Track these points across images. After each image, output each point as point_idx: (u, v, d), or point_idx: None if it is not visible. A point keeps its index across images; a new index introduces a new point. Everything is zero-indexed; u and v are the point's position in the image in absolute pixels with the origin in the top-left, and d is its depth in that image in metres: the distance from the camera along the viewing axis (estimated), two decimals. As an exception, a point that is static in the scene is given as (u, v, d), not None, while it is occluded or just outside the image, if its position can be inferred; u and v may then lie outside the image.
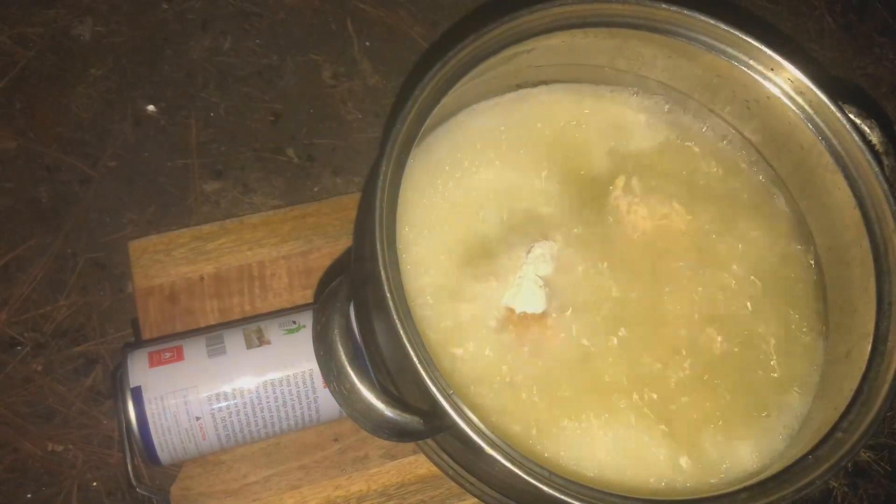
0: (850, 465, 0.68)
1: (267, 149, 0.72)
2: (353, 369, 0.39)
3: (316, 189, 0.72)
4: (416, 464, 0.59)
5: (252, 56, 0.75)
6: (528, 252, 0.50)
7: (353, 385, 0.39)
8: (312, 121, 0.74)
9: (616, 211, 0.52)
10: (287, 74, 0.75)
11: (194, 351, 0.53)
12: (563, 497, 0.38)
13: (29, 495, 0.60)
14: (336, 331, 0.40)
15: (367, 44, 0.78)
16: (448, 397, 0.38)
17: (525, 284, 0.48)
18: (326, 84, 0.76)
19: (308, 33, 0.77)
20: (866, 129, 0.48)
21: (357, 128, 0.74)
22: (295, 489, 0.58)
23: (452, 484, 0.57)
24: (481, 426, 0.38)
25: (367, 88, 0.76)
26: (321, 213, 0.66)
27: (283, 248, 0.64)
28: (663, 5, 0.48)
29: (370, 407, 0.39)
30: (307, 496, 0.58)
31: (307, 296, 0.63)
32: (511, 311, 0.48)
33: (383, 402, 0.39)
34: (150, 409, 0.51)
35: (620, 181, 0.53)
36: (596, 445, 0.46)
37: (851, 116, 0.48)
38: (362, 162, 0.73)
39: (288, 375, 0.53)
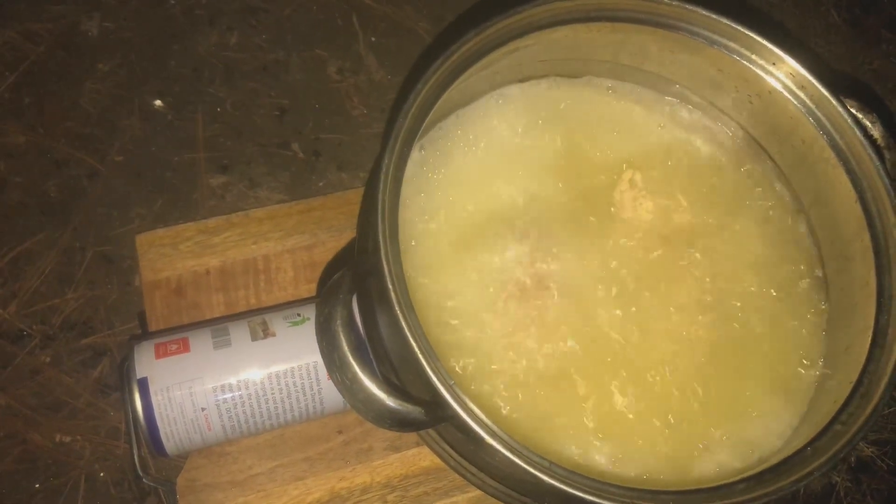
0: (853, 460, 0.68)
1: (273, 143, 0.73)
2: (355, 360, 0.40)
3: (321, 184, 0.72)
4: (420, 456, 0.60)
5: (258, 51, 0.76)
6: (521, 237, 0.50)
7: (355, 375, 0.39)
8: (318, 116, 0.74)
9: (620, 205, 0.53)
10: (293, 70, 0.76)
11: (200, 343, 0.54)
12: (564, 487, 0.38)
13: (37, 485, 0.60)
14: (338, 322, 0.40)
15: (373, 39, 0.78)
16: (449, 388, 0.38)
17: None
18: (332, 79, 0.76)
19: (314, 29, 0.77)
20: (868, 123, 0.48)
21: (362, 123, 0.75)
22: (300, 480, 0.58)
23: (455, 476, 0.58)
24: (482, 416, 0.39)
25: (372, 84, 0.76)
26: (326, 207, 0.66)
27: (288, 242, 0.64)
28: (665, 0, 0.48)
29: (372, 397, 0.39)
30: (312, 487, 0.58)
31: (312, 289, 0.64)
32: (511, 293, 0.49)
33: (385, 392, 0.39)
34: (157, 400, 0.51)
35: (627, 175, 0.53)
36: (595, 435, 0.46)
37: (853, 111, 0.48)
38: (367, 157, 0.74)
39: (292, 367, 0.53)
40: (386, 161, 0.42)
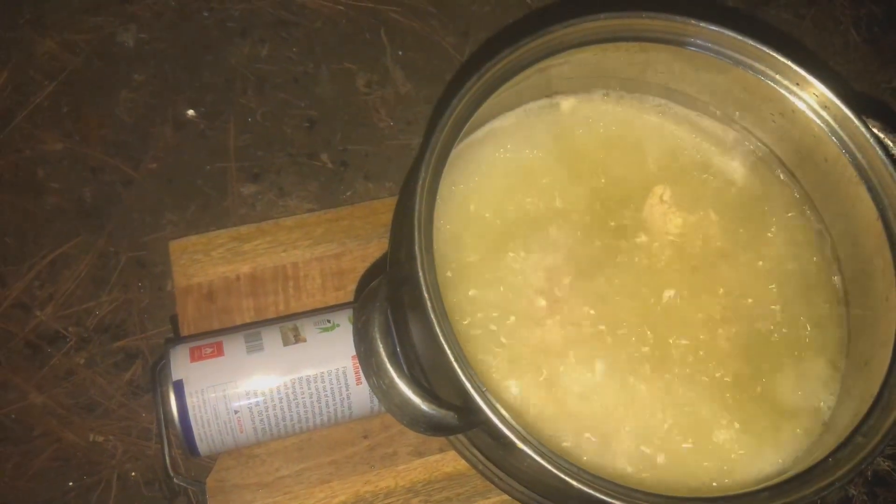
0: (869, 473, 0.69)
1: (302, 154, 0.74)
2: (391, 365, 0.41)
3: (349, 194, 0.74)
4: (443, 462, 0.61)
5: (289, 63, 0.77)
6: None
7: (391, 380, 0.41)
8: (346, 127, 0.76)
9: (650, 220, 0.54)
10: (322, 82, 0.77)
11: (234, 347, 0.55)
12: (591, 492, 0.39)
13: (70, 483, 0.62)
14: (376, 328, 0.41)
15: (400, 53, 0.80)
16: (482, 394, 0.40)
17: None
18: (360, 92, 0.78)
19: (343, 42, 0.79)
20: (889, 143, 0.49)
21: (389, 135, 0.76)
22: (325, 483, 0.59)
23: (477, 482, 0.59)
24: (513, 421, 0.40)
25: (399, 96, 0.78)
26: (354, 216, 0.68)
27: (316, 250, 0.66)
28: (692, 21, 0.50)
29: (408, 402, 0.41)
30: (337, 490, 0.59)
31: (339, 296, 0.65)
32: (537, 304, 0.50)
33: (420, 397, 0.41)
34: (191, 401, 0.53)
35: (657, 190, 0.54)
36: (624, 441, 0.47)
37: (875, 131, 0.49)
38: (393, 168, 0.75)
39: (322, 372, 0.55)
40: (423, 174, 0.43)
